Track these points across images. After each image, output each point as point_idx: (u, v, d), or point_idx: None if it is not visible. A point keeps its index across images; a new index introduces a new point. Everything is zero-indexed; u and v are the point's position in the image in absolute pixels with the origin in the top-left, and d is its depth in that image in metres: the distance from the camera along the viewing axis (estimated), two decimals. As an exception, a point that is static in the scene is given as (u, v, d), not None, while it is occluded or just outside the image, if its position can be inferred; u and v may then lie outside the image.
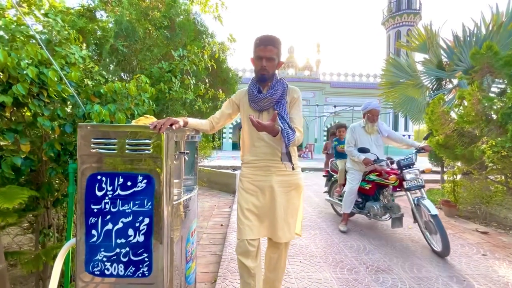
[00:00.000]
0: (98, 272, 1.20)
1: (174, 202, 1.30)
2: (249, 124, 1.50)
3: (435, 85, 6.14)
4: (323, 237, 2.92)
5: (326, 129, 23.73)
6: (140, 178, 1.19)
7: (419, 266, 2.26)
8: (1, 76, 1.20)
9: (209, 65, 2.30)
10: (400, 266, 2.24)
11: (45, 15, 1.48)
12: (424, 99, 6.59)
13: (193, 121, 1.47)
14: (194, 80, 2.14)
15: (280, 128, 1.34)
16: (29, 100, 1.28)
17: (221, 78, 3.27)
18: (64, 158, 1.55)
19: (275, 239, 1.44)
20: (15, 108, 1.30)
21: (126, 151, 1.18)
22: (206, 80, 2.43)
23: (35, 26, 1.78)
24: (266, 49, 1.40)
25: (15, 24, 1.48)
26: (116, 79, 2.52)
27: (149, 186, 1.19)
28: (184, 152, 1.66)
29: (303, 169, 9.86)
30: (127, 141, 1.18)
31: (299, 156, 16.65)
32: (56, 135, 1.45)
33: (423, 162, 12.33)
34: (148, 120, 1.35)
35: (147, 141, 1.19)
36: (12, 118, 1.44)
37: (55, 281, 1.26)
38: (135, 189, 1.19)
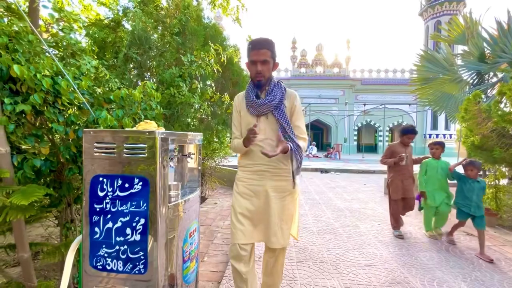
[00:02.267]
0: (100, 267, 1.29)
1: (170, 204, 1.35)
2: (246, 128, 1.51)
3: (476, 80, 5.55)
4: (337, 242, 2.81)
5: (356, 128, 22.74)
6: (136, 180, 1.26)
7: (440, 280, 2.06)
8: (22, 87, 1.35)
9: (215, 69, 2.35)
10: (419, 279, 2.07)
11: (61, 30, 1.63)
12: (463, 94, 5.99)
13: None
14: (201, 84, 2.20)
15: (289, 146, 1.35)
16: (45, 108, 1.42)
17: (232, 80, 3.31)
18: (80, 159, 1.70)
19: (268, 245, 1.43)
20: (33, 116, 1.46)
21: (124, 155, 1.26)
22: (213, 85, 2.49)
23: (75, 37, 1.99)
24: (260, 52, 1.37)
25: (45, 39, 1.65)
26: (140, 85, 2.70)
27: (145, 188, 1.26)
28: (186, 155, 1.72)
29: (328, 170, 9.58)
30: (124, 145, 1.25)
31: (326, 156, 16.21)
32: (71, 139, 1.59)
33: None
34: (148, 126, 1.42)
35: (142, 145, 1.25)
36: (37, 123, 1.61)
37: (67, 272, 1.39)
38: (132, 190, 1.26)
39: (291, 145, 1.36)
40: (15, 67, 1.25)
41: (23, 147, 1.45)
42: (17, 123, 1.37)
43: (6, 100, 1.29)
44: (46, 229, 2.38)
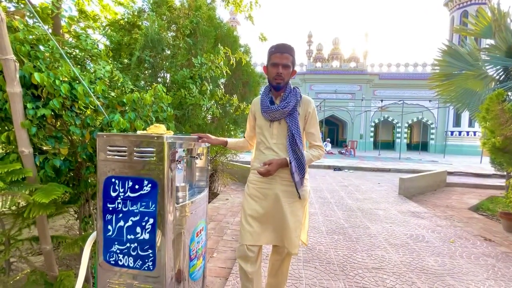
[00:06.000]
0: (113, 262, 1.38)
1: (177, 205, 1.41)
2: (259, 132, 1.54)
3: (502, 76, 5.23)
4: (346, 243, 2.80)
5: (373, 124, 22.12)
6: (145, 182, 1.33)
7: (452, 287, 2.02)
8: (42, 93, 1.44)
9: (224, 71, 2.38)
10: (428, 285, 2.04)
11: (77, 37, 1.72)
12: (488, 91, 5.67)
13: (232, 141, 1.69)
14: (211, 86, 2.24)
15: (288, 160, 1.40)
16: (64, 112, 1.51)
17: (242, 80, 3.33)
18: (96, 159, 1.80)
19: (288, 248, 1.45)
20: (53, 119, 1.56)
21: (134, 158, 1.32)
22: (222, 87, 2.52)
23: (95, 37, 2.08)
24: (283, 56, 1.41)
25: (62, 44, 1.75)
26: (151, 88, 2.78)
27: (153, 190, 1.32)
28: (195, 156, 1.78)
29: (341, 168, 9.44)
30: (134, 149, 1.32)
31: (340, 153, 15.93)
32: (87, 140, 1.69)
33: (486, 164, 10.75)
34: (157, 129, 1.48)
35: (151, 149, 1.31)
36: (57, 125, 1.72)
37: (84, 265, 1.49)
38: (141, 192, 1.33)
39: (290, 157, 1.38)
40: (36, 74, 1.34)
41: (44, 148, 1.55)
42: (38, 126, 1.47)
43: (29, 105, 1.39)
44: (67, 221, 2.55)
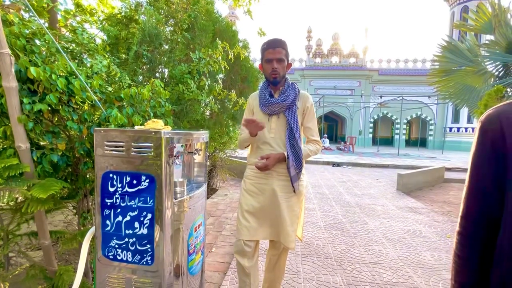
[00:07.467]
0: (111, 257, 1.39)
1: (175, 200, 1.41)
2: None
3: (502, 72, 5.23)
4: (344, 238, 2.82)
5: (372, 120, 22.12)
6: (143, 177, 1.32)
7: (446, 282, 2.04)
8: (39, 87, 1.43)
9: (222, 66, 2.37)
10: (424, 279, 2.06)
11: (73, 31, 1.70)
12: (487, 87, 5.67)
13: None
14: (209, 81, 2.23)
15: (286, 155, 1.40)
16: (60, 107, 1.50)
17: (241, 75, 3.31)
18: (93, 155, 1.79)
19: (284, 243, 1.46)
20: (50, 114, 1.55)
21: (132, 153, 1.32)
22: (220, 82, 2.52)
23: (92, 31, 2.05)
24: (275, 51, 1.41)
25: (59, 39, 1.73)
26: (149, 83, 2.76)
27: (151, 185, 1.32)
28: (193, 152, 1.78)
29: (340, 164, 9.47)
30: (132, 144, 1.31)
31: (339, 149, 15.96)
32: (85, 135, 1.68)
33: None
34: (155, 125, 1.47)
35: (149, 144, 1.30)
36: (54, 120, 1.71)
37: (82, 260, 1.50)
38: (139, 187, 1.33)
39: (288, 152, 1.38)
40: (32, 69, 1.32)
41: (42, 143, 1.55)
42: (35, 121, 1.46)
43: (25, 100, 1.38)
44: (66, 217, 2.55)
